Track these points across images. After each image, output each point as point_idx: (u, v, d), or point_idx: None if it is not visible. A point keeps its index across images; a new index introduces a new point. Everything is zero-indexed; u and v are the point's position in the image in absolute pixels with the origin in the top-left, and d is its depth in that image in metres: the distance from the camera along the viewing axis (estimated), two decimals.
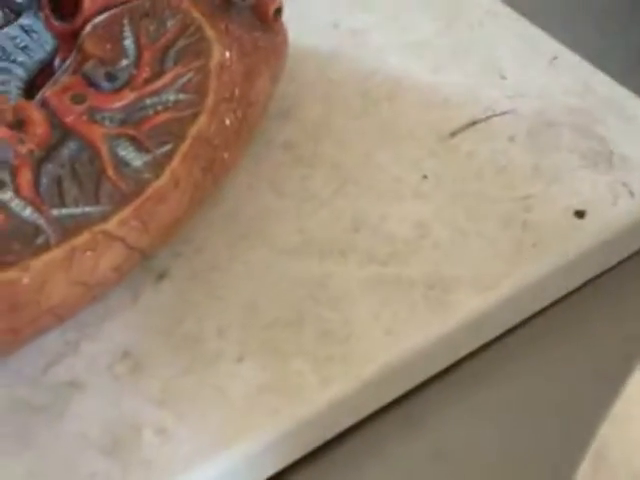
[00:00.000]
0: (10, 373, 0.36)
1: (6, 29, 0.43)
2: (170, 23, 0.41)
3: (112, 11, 0.41)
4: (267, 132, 0.47)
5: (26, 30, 0.42)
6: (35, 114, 0.37)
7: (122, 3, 0.41)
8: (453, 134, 0.48)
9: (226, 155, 0.40)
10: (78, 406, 0.36)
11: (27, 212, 0.34)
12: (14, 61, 0.42)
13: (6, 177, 0.34)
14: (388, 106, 0.49)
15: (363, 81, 0.50)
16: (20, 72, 0.41)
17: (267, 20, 0.43)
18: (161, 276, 0.41)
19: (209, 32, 0.40)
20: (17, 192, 0.34)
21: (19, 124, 0.36)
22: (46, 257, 0.33)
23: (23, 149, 0.35)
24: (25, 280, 0.33)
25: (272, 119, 0.47)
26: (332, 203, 0.44)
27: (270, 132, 0.47)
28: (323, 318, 0.39)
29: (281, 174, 0.46)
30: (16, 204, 0.34)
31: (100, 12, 0.41)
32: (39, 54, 0.42)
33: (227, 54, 0.40)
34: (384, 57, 0.52)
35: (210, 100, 0.39)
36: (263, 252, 0.42)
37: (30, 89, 0.42)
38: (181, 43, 0.40)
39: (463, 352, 0.41)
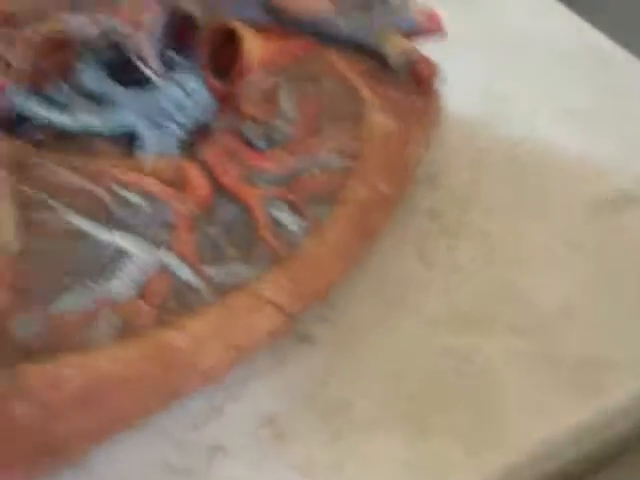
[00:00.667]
0: (156, 433, 0.36)
1: (165, 86, 0.43)
2: (328, 86, 0.40)
3: (271, 72, 0.41)
4: (413, 198, 0.46)
5: (184, 88, 0.43)
6: (195, 174, 0.37)
7: (282, 65, 0.41)
8: (605, 205, 0.46)
9: (377, 220, 0.39)
10: (221, 470, 0.35)
11: (186, 272, 0.34)
12: (171, 118, 0.42)
13: (166, 236, 0.34)
14: (537, 174, 0.48)
15: (512, 148, 0.49)
16: (177, 130, 0.42)
17: (423, 85, 0.42)
18: (306, 339, 0.40)
19: (366, 94, 0.40)
20: (177, 252, 0.34)
21: (180, 184, 0.36)
22: (203, 319, 0.33)
23: (183, 209, 0.35)
24: (182, 342, 0.32)
25: (418, 184, 0.46)
26: (479, 274, 0.43)
27: (416, 198, 0.46)
28: (469, 393, 0.38)
29: (427, 242, 0.45)
30: (175, 264, 0.34)
31: (259, 73, 0.40)
32: (196, 113, 0.42)
33: (384, 118, 0.40)
34: (534, 124, 0.50)
35: (364, 164, 0.38)
36: (409, 321, 0.41)
37: (188, 147, 0.42)
38: (338, 106, 0.40)
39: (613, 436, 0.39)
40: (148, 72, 0.42)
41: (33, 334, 0.29)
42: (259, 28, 0.42)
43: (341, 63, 0.40)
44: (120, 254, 0.32)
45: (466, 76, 0.51)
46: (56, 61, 0.41)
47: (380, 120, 0.39)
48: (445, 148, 0.48)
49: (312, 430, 0.36)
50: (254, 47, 0.41)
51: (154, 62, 0.42)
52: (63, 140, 0.40)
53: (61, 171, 0.32)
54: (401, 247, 0.44)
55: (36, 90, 0.40)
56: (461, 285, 0.42)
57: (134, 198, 0.34)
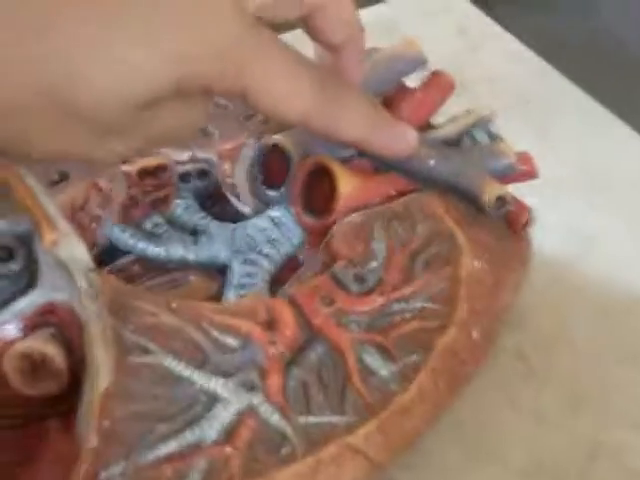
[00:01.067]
0: None
1: (255, 220, 0.43)
2: (421, 228, 0.40)
3: (363, 212, 0.41)
4: (499, 339, 0.45)
5: (275, 222, 0.43)
6: (286, 314, 0.36)
7: (375, 204, 0.41)
8: None
9: (471, 368, 0.38)
10: None
11: (275, 418, 0.33)
12: (261, 253, 0.42)
13: (257, 380, 0.34)
14: (627, 322, 0.47)
15: (600, 292, 0.48)
16: (266, 264, 0.42)
17: (517, 229, 0.42)
18: None
19: (461, 240, 0.40)
20: (267, 396, 0.33)
21: (270, 324, 0.36)
22: (291, 470, 0.32)
23: (273, 351, 0.35)
24: None
25: (504, 325, 0.45)
26: (567, 424, 0.42)
27: (502, 339, 0.45)
28: None
29: (513, 385, 0.44)
30: (265, 409, 0.33)
31: (353, 211, 0.40)
32: (286, 247, 0.43)
33: (478, 264, 0.39)
34: (623, 267, 0.49)
35: (459, 311, 0.38)
36: (494, 471, 0.40)
37: (276, 282, 0.42)
38: (432, 249, 0.40)
39: None
40: (240, 206, 0.42)
41: None
42: (352, 165, 0.42)
43: (436, 205, 0.40)
44: (213, 399, 0.32)
45: (552, 216, 0.51)
46: (152, 194, 0.41)
47: (474, 266, 0.39)
48: (531, 289, 0.47)
49: None
50: (347, 185, 0.41)
51: (247, 196, 0.42)
52: (156, 272, 0.40)
53: (161, 313, 0.32)
54: (486, 390, 0.43)
55: (131, 222, 0.41)
56: (548, 435, 0.41)
57: (229, 340, 0.33)
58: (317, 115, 0.34)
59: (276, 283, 0.42)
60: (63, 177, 0.40)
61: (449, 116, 0.47)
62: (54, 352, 0.31)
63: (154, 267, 0.41)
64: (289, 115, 0.33)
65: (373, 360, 0.36)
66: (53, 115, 0.30)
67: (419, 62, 0.44)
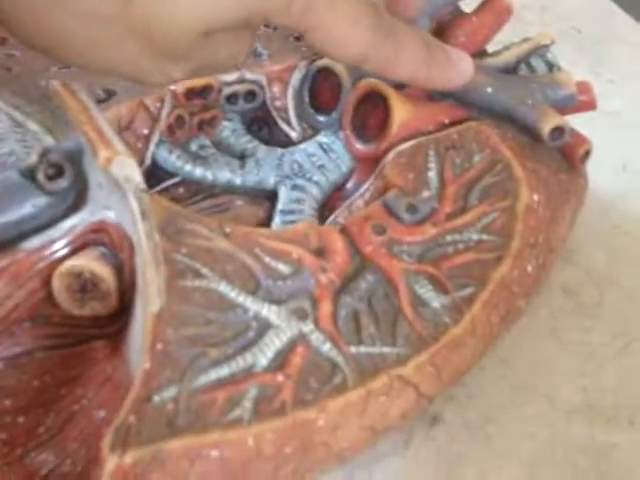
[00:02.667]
0: None
1: (304, 145, 0.42)
2: (477, 158, 0.39)
3: (418, 140, 0.39)
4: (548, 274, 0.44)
5: (324, 149, 0.42)
6: (337, 242, 0.35)
7: (429, 132, 0.39)
8: None
9: (523, 303, 0.37)
10: None
11: (326, 347, 0.32)
12: (310, 179, 0.41)
13: (308, 307, 0.33)
14: None
15: None
16: (315, 191, 0.41)
17: (574, 162, 0.40)
18: (434, 421, 0.38)
19: (518, 172, 0.38)
20: (317, 324, 0.33)
21: (321, 252, 0.35)
22: (343, 399, 0.32)
23: (324, 279, 0.34)
24: (321, 421, 0.31)
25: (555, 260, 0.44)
26: (618, 362, 0.41)
27: (550, 275, 0.44)
28: None
29: (561, 322, 0.43)
30: (316, 337, 0.32)
31: (406, 139, 0.39)
32: (335, 174, 0.41)
33: (535, 197, 0.38)
34: None
35: (515, 244, 0.37)
36: (541, 408, 0.39)
37: (325, 210, 0.41)
38: (487, 180, 0.38)
39: None
40: (289, 130, 0.41)
41: (178, 408, 0.28)
42: (406, 92, 0.40)
43: (492, 135, 0.39)
44: (265, 325, 0.31)
45: (605, 151, 0.49)
46: (198, 115, 0.40)
47: (530, 199, 0.38)
48: (581, 225, 0.46)
49: None
50: (401, 111, 0.39)
51: (295, 120, 0.41)
52: (202, 196, 0.39)
53: (214, 237, 0.31)
54: (534, 326, 0.42)
55: (178, 143, 0.40)
56: (598, 372, 0.40)
57: (280, 267, 0.32)
58: (374, 56, 0.33)
59: (324, 211, 0.41)
60: (109, 95, 0.39)
61: (503, 44, 0.45)
62: (104, 271, 0.31)
63: (200, 190, 0.40)
64: (346, 56, 0.33)
65: (425, 291, 0.35)
66: (124, 30, 0.29)
67: None
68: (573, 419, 0.38)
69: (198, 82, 0.40)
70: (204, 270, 0.31)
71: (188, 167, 0.40)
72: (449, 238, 0.37)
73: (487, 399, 0.39)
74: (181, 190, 0.40)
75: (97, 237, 0.32)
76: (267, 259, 0.33)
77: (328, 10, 0.32)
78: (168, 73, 0.31)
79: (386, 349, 0.33)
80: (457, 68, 0.37)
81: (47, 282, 0.31)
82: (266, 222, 0.40)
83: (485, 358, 0.39)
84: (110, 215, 0.32)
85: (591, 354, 0.41)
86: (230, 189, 0.40)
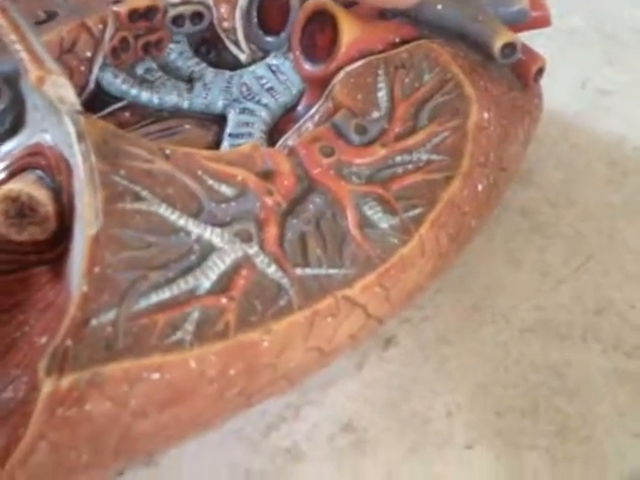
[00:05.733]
0: (228, 434, 0.34)
1: (253, 67, 0.41)
2: (427, 77, 0.38)
3: (367, 59, 0.39)
4: (504, 195, 0.43)
5: (273, 71, 0.41)
6: (284, 164, 0.35)
7: (379, 52, 0.39)
8: None
9: (474, 223, 0.37)
10: (295, 474, 0.34)
11: (271, 269, 0.32)
12: (259, 102, 0.40)
13: (252, 230, 0.32)
14: (637, 179, 0.45)
15: (609, 148, 0.47)
16: (264, 114, 0.40)
17: (527, 80, 0.40)
18: (388, 343, 0.38)
19: (468, 90, 0.38)
20: (262, 247, 0.32)
21: (267, 174, 0.34)
22: (288, 320, 0.31)
23: (270, 201, 0.33)
24: (266, 343, 0.31)
25: (510, 182, 0.44)
26: (573, 280, 0.41)
27: (507, 195, 0.44)
28: (561, 411, 0.36)
29: (517, 242, 0.43)
30: (261, 260, 0.32)
31: (354, 59, 0.38)
32: (284, 97, 0.41)
33: (485, 115, 0.38)
34: (635, 124, 0.47)
35: (465, 163, 0.36)
36: (496, 328, 0.39)
37: (273, 132, 0.40)
38: (438, 99, 0.38)
39: None
40: (237, 53, 0.40)
41: (117, 331, 0.28)
42: (355, 10, 0.40)
43: (443, 53, 0.38)
44: (208, 248, 0.30)
45: (564, 69, 0.48)
46: (143, 37, 0.39)
47: (481, 117, 0.37)
48: (539, 145, 0.46)
49: (391, 443, 0.34)
50: (350, 30, 0.39)
51: (244, 42, 0.40)
52: (148, 120, 0.39)
53: (154, 159, 0.30)
54: (489, 247, 0.42)
55: (123, 67, 0.39)
56: (553, 291, 0.40)
57: (224, 189, 0.32)
58: None
59: (274, 134, 0.40)
60: (50, 16, 0.38)
61: None
62: (42, 195, 0.30)
63: (146, 115, 0.39)
64: None
65: (373, 212, 0.34)
66: None
67: None
68: (527, 338, 0.38)
69: (142, 3, 0.39)
70: (144, 192, 0.30)
71: (134, 91, 0.39)
72: (398, 159, 0.36)
73: (442, 321, 0.39)
74: (127, 114, 0.39)
75: (34, 160, 0.31)
76: (210, 181, 0.32)
77: None
78: None
79: (333, 271, 0.33)
80: None
81: None
82: (215, 146, 0.39)
83: (440, 280, 0.39)
84: (46, 138, 0.31)
85: (546, 273, 0.41)
86: (177, 113, 0.40)
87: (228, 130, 0.39)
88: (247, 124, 0.39)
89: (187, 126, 0.40)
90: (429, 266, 0.35)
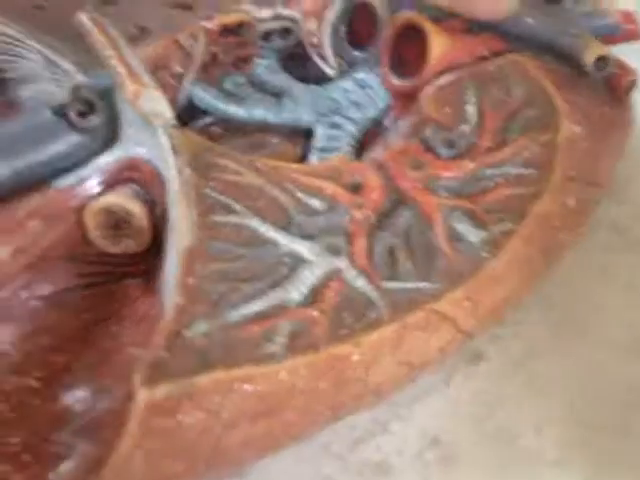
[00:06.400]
0: (317, 448, 0.34)
1: (340, 82, 0.41)
2: (517, 90, 0.38)
3: (455, 73, 0.38)
4: (596, 210, 0.43)
5: (361, 85, 0.41)
6: (373, 178, 0.35)
7: (467, 66, 0.38)
8: None
9: (564, 237, 0.36)
10: None
11: (361, 282, 0.32)
12: (346, 116, 0.40)
13: (342, 243, 0.32)
14: None
15: None
16: (351, 128, 0.40)
17: (619, 94, 0.39)
18: (477, 359, 0.38)
19: (558, 103, 0.37)
20: (352, 260, 0.32)
21: (356, 187, 0.34)
22: (378, 334, 0.31)
23: (359, 214, 0.33)
24: (355, 357, 0.31)
25: (602, 197, 0.43)
26: None
27: (599, 210, 0.43)
28: None
29: (609, 259, 0.42)
30: (350, 273, 0.32)
31: (444, 73, 0.38)
32: (371, 111, 0.41)
33: (576, 129, 0.37)
34: None
35: (555, 178, 0.36)
36: (587, 346, 0.38)
37: (361, 146, 0.40)
38: (527, 113, 0.37)
39: None
40: (324, 67, 0.41)
41: (210, 342, 0.28)
42: (444, 25, 0.39)
43: (533, 67, 0.38)
44: (298, 261, 0.31)
45: None
46: (233, 52, 0.39)
47: (571, 131, 0.36)
48: (631, 160, 0.45)
49: (479, 458, 0.34)
50: (439, 45, 0.38)
51: (332, 57, 0.40)
52: (236, 134, 0.39)
53: (246, 173, 0.30)
54: (581, 261, 0.41)
55: (213, 81, 0.39)
56: None
57: (314, 202, 0.32)
58: None
59: (360, 148, 0.40)
60: (142, 32, 0.38)
61: None
62: (136, 208, 0.30)
63: (235, 129, 0.40)
64: None
65: (462, 226, 0.34)
66: None
67: None
68: (618, 356, 0.37)
69: (232, 19, 0.39)
70: (235, 205, 0.30)
71: (223, 105, 0.40)
72: (487, 172, 0.36)
73: (531, 337, 0.39)
74: (216, 128, 0.40)
75: (129, 174, 0.32)
76: (299, 194, 0.33)
77: None
78: None
79: (422, 284, 0.33)
80: None
81: (80, 220, 0.31)
82: (302, 159, 0.39)
83: (530, 295, 0.38)
84: (141, 151, 0.31)
85: (638, 291, 0.40)
86: (265, 127, 0.40)
87: (316, 144, 0.40)
88: (335, 138, 0.39)
89: (274, 140, 0.40)
90: (519, 281, 0.35)
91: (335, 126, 0.40)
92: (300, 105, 0.40)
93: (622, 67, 0.40)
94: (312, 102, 0.40)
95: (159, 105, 0.30)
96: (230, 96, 0.40)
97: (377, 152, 0.38)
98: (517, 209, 0.35)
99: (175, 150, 0.30)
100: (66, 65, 0.34)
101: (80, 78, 0.33)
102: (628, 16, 0.40)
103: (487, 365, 0.37)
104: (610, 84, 0.39)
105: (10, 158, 0.31)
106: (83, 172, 0.32)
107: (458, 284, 0.33)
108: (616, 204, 0.43)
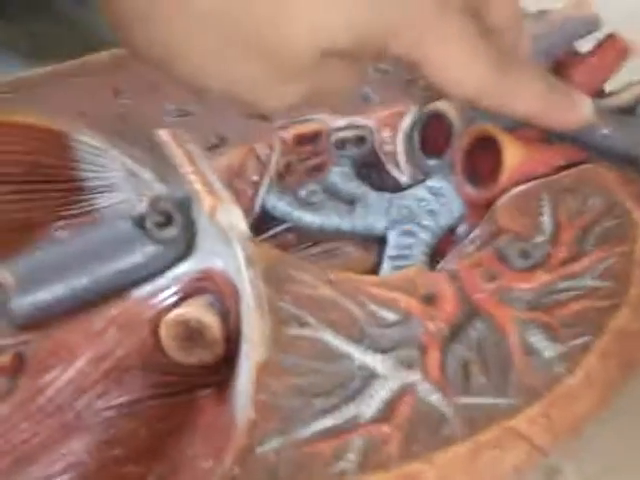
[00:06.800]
0: None
1: (414, 190, 0.41)
2: (593, 201, 0.38)
3: (530, 184, 0.38)
4: None
5: (434, 193, 0.41)
6: (446, 289, 0.35)
7: (544, 176, 0.38)
8: None
9: None
10: None
11: (434, 397, 0.31)
12: (419, 224, 0.40)
13: (415, 356, 0.32)
14: None
15: None
16: (425, 236, 0.40)
17: None
18: (552, 473, 0.37)
19: (636, 215, 0.37)
20: (426, 374, 0.32)
21: (429, 299, 0.34)
22: (451, 451, 0.31)
23: (433, 327, 0.33)
24: (429, 474, 0.30)
25: None
26: None
27: None
28: None
29: None
30: (424, 387, 0.32)
31: (519, 183, 0.38)
32: (445, 219, 0.41)
33: None
34: None
35: (634, 291, 0.35)
36: None
37: (434, 254, 0.40)
38: (604, 224, 0.37)
39: None
40: (398, 175, 0.41)
41: (281, 459, 0.28)
42: (519, 135, 0.39)
43: (609, 178, 0.37)
44: (371, 375, 0.30)
45: None
46: (307, 161, 0.40)
47: None
48: None
49: None
50: (514, 155, 0.38)
51: (405, 165, 0.41)
52: (310, 242, 0.39)
53: (318, 285, 0.30)
54: None
55: (286, 189, 0.40)
56: None
57: (387, 315, 0.32)
58: (491, 92, 0.33)
59: (434, 256, 0.40)
60: (222, 142, 0.39)
61: (621, 82, 0.44)
62: (211, 320, 0.31)
63: (309, 236, 0.40)
64: (461, 94, 0.32)
65: (537, 340, 0.34)
66: (243, 42, 0.30)
67: (592, 24, 0.41)
68: None
69: (308, 128, 0.40)
70: (309, 318, 0.31)
71: (297, 213, 0.40)
72: (563, 285, 0.35)
73: (608, 451, 0.37)
74: (290, 236, 0.40)
75: (204, 285, 0.32)
76: (373, 307, 0.32)
77: (440, 45, 0.31)
78: (282, 96, 0.32)
79: (497, 400, 0.32)
80: (575, 108, 0.36)
81: (156, 330, 0.32)
82: (375, 268, 0.39)
83: (607, 409, 0.37)
84: (217, 262, 0.32)
85: None
86: (339, 234, 0.40)
87: (389, 252, 0.40)
88: (408, 246, 0.40)
89: (348, 248, 0.40)
90: (596, 397, 0.34)
91: (409, 234, 0.40)
92: (373, 213, 0.41)
93: None
94: (385, 210, 0.41)
95: (235, 218, 0.30)
96: (304, 204, 0.40)
97: (451, 262, 0.38)
98: (595, 323, 0.34)
99: (250, 262, 0.30)
100: (146, 175, 0.35)
101: (159, 188, 0.34)
102: None
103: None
104: None
105: (90, 267, 0.32)
106: (159, 282, 0.32)
107: (534, 400, 0.33)
108: None
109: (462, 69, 0.32)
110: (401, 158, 0.42)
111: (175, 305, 0.32)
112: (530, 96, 0.34)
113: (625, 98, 0.41)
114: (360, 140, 0.42)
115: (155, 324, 0.32)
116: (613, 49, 0.41)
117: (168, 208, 0.32)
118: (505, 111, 0.34)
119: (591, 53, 0.42)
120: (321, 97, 0.33)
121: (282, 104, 0.32)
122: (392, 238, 0.40)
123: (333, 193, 0.41)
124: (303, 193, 0.41)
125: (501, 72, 0.33)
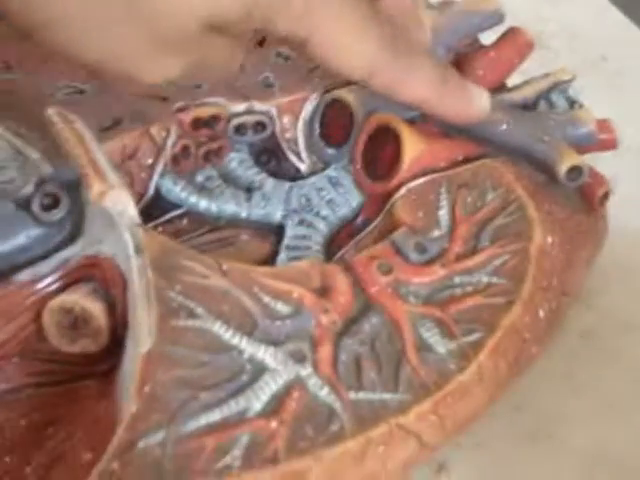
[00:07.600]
0: None
1: (313, 179, 0.41)
2: (490, 197, 0.38)
3: (429, 177, 0.38)
4: (565, 319, 0.42)
5: (333, 183, 0.41)
6: (341, 281, 0.34)
7: (442, 169, 0.38)
8: None
9: (535, 349, 0.36)
10: None
11: (324, 392, 0.31)
12: (318, 214, 0.40)
13: (306, 349, 0.32)
14: None
15: None
16: (322, 227, 0.39)
17: (593, 204, 0.39)
18: (439, 469, 0.37)
19: (532, 212, 0.37)
20: (316, 368, 0.31)
21: (324, 291, 0.33)
22: (340, 448, 0.30)
23: (326, 319, 0.33)
24: (316, 471, 0.30)
25: (572, 305, 0.43)
26: (631, 415, 0.39)
27: (568, 319, 0.42)
28: None
29: (576, 368, 0.41)
30: (314, 382, 0.31)
31: (418, 176, 0.38)
32: (343, 210, 0.40)
33: (549, 238, 0.37)
34: None
35: (527, 288, 0.35)
36: (553, 457, 0.37)
37: (330, 246, 0.39)
38: (500, 220, 0.37)
39: None
40: (298, 163, 0.40)
41: (167, 454, 0.27)
42: (419, 128, 0.39)
43: (507, 173, 0.37)
44: (260, 368, 0.30)
45: (629, 186, 0.48)
46: (205, 146, 0.39)
47: (544, 241, 0.36)
48: (603, 266, 0.44)
49: None
50: (413, 148, 0.38)
51: (305, 153, 0.40)
52: (206, 229, 0.38)
53: (210, 275, 0.30)
54: (547, 369, 0.40)
55: (184, 174, 0.39)
56: (613, 425, 0.38)
57: (280, 307, 0.31)
58: (380, 72, 0.32)
59: (331, 247, 0.39)
60: (115, 123, 0.38)
61: (524, 76, 0.44)
62: (95, 308, 0.29)
63: (204, 223, 0.39)
64: (350, 67, 0.32)
65: (431, 335, 0.34)
66: (124, 11, 0.29)
67: (496, 17, 0.41)
68: (584, 465, 0.36)
69: (206, 111, 0.39)
70: (198, 309, 0.30)
71: (193, 199, 0.39)
72: (458, 280, 0.35)
73: (497, 447, 0.38)
74: (185, 222, 0.39)
75: (89, 272, 0.31)
76: (266, 298, 0.32)
77: (332, 16, 0.31)
78: (164, 69, 0.31)
79: (387, 396, 0.32)
80: (472, 101, 0.35)
81: (37, 317, 0.30)
82: (271, 257, 0.39)
83: (496, 404, 0.38)
84: (104, 249, 0.30)
85: (609, 402, 0.39)
86: (235, 222, 0.39)
87: (285, 242, 0.39)
88: (305, 237, 0.39)
89: (244, 237, 0.39)
90: (487, 394, 0.34)
91: (306, 224, 0.39)
92: (271, 201, 0.40)
93: (596, 177, 0.39)
94: (284, 199, 0.40)
95: (124, 205, 0.29)
96: (201, 190, 0.39)
97: (347, 253, 0.37)
98: (487, 319, 0.35)
99: (138, 249, 0.29)
100: (34, 155, 0.33)
101: (47, 169, 0.33)
102: (605, 125, 0.40)
103: (449, 476, 0.36)
104: (584, 194, 0.39)
105: None
106: (43, 267, 0.31)
107: (424, 397, 0.33)
108: (585, 313, 0.43)
109: (352, 46, 0.31)
110: (301, 146, 0.41)
111: (59, 291, 0.31)
112: (421, 82, 0.34)
113: (527, 93, 0.41)
114: (260, 126, 0.41)
115: (37, 310, 0.30)
116: (515, 43, 0.41)
117: (55, 190, 0.31)
118: (394, 94, 0.34)
119: (492, 46, 0.41)
120: (202, 73, 0.33)
121: (161, 77, 0.31)
122: (289, 228, 0.39)
123: (231, 179, 0.40)
124: (200, 178, 0.40)
125: (393, 54, 0.32)
